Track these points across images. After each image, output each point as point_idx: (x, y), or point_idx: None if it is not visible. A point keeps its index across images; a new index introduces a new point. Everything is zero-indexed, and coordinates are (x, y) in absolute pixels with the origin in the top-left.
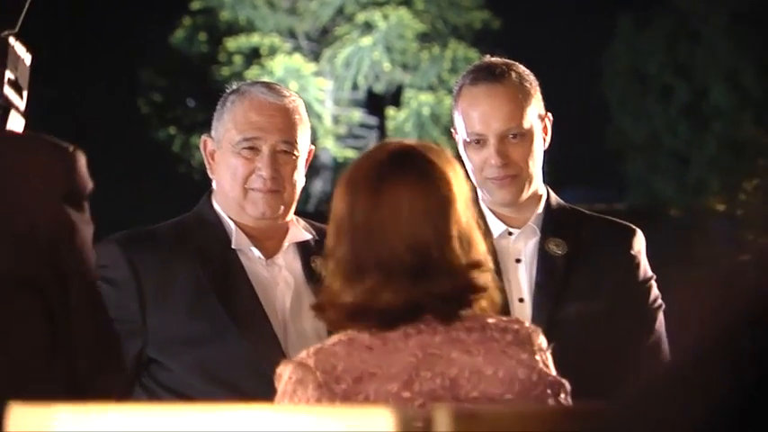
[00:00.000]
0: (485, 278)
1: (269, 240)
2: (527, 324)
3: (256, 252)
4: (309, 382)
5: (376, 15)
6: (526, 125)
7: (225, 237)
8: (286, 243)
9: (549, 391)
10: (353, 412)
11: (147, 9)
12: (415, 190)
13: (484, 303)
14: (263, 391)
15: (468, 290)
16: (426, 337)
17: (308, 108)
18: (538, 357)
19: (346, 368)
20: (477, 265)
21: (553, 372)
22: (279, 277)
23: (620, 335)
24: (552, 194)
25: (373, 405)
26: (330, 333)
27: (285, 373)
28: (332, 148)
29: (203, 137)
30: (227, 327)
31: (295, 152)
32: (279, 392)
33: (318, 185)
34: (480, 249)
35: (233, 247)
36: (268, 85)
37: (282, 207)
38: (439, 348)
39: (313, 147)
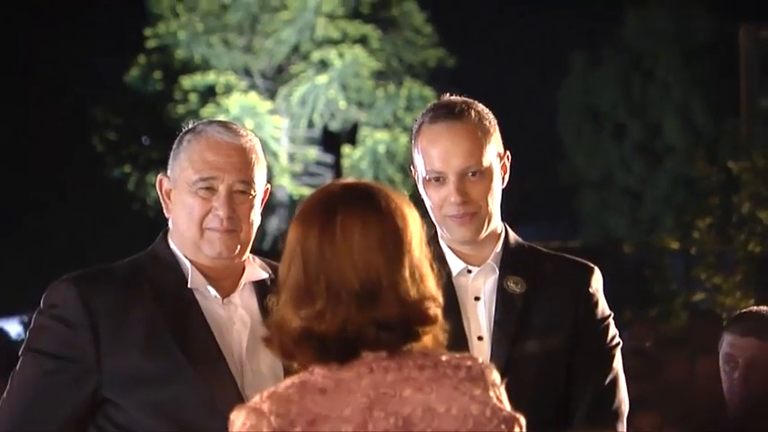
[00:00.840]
0: (434, 312)
1: (225, 280)
2: (480, 360)
3: (212, 291)
4: (264, 428)
5: (331, 54)
6: (485, 163)
7: (181, 276)
8: (242, 282)
9: (503, 427)
10: None
11: (101, 47)
12: (368, 219)
13: (429, 339)
14: (217, 430)
15: (415, 321)
16: (378, 376)
17: (264, 146)
18: (491, 393)
19: (300, 412)
20: (427, 298)
21: (507, 407)
22: (235, 316)
23: (578, 372)
24: (510, 232)
25: None
26: (287, 372)
27: (239, 420)
28: (288, 186)
29: (159, 176)
30: (182, 367)
31: (252, 191)
32: None
33: (274, 223)
34: (430, 284)
35: (189, 286)
36: (225, 125)
37: (239, 246)
38: (391, 387)
39: (269, 185)
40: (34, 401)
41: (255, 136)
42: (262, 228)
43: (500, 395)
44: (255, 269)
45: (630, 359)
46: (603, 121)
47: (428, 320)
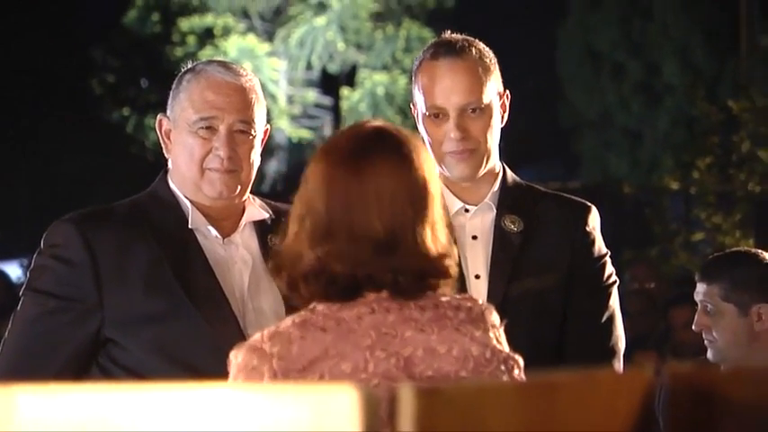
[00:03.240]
0: (453, 268)
1: (225, 220)
2: (480, 302)
3: (213, 231)
4: (265, 371)
5: None
6: (485, 100)
7: (181, 216)
8: (243, 222)
9: (502, 368)
10: (316, 390)
11: None
12: (400, 168)
13: (445, 290)
14: (220, 369)
15: (433, 274)
16: (379, 316)
17: (263, 88)
18: (491, 334)
19: (301, 351)
20: (446, 254)
21: (506, 348)
22: (236, 256)
23: (575, 310)
24: (509, 172)
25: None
26: (289, 311)
27: (239, 359)
28: (286, 129)
29: (159, 116)
30: (184, 305)
31: (252, 131)
32: (231, 377)
33: (273, 166)
34: (447, 240)
35: (189, 226)
36: (225, 64)
37: (239, 187)
38: (392, 328)
39: (269, 126)
40: (35, 341)
41: (255, 78)
42: (261, 170)
43: (499, 336)
44: (256, 209)
45: (631, 299)
46: (603, 62)
47: (445, 275)
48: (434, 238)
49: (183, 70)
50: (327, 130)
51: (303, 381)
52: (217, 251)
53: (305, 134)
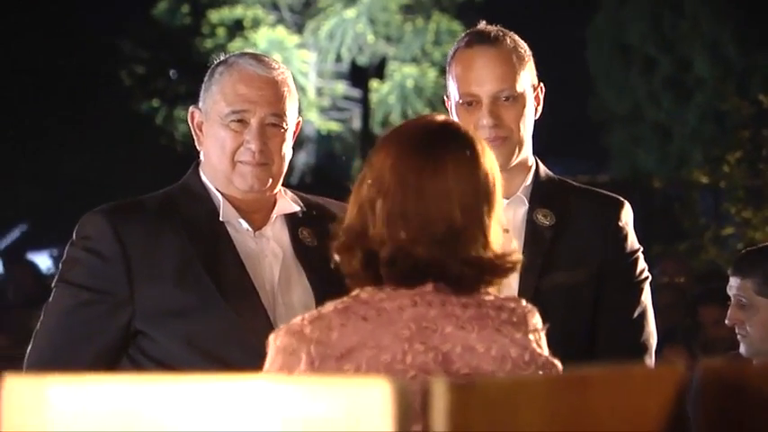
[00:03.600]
0: (515, 266)
1: (257, 213)
2: (523, 303)
3: (244, 224)
4: (303, 355)
5: None
6: (519, 89)
7: (213, 209)
8: (274, 215)
9: (540, 372)
10: (349, 383)
11: None
12: (470, 165)
13: (495, 289)
14: (250, 362)
15: (496, 270)
16: (421, 310)
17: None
18: (531, 337)
19: (340, 338)
20: (510, 252)
21: (546, 353)
22: (267, 249)
23: (607, 305)
24: (541, 165)
25: (366, 375)
26: (318, 305)
27: (278, 341)
28: (315, 121)
29: (191, 108)
30: (214, 299)
31: (284, 125)
32: (269, 359)
33: (302, 158)
34: (502, 238)
35: (221, 219)
36: (257, 57)
37: (271, 179)
38: (433, 322)
39: (300, 119)
40: (68, 332)
41: (287, 71)
42: (290, 162)
43: (539, 340)
44: (287, 202)
45: (659, 294)
46: (633, 56)
47: (506, 273)
48: (497, 234)
49: (215, 62)
50: (356, 123)
51: (339, 369)
52: (248, 244)
53: (334, 126)
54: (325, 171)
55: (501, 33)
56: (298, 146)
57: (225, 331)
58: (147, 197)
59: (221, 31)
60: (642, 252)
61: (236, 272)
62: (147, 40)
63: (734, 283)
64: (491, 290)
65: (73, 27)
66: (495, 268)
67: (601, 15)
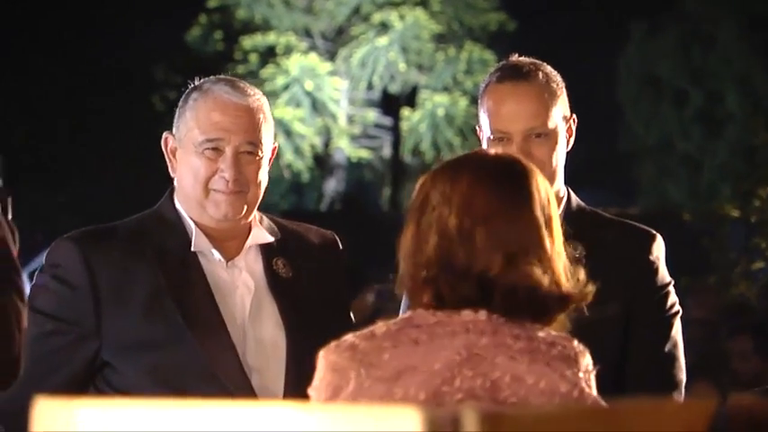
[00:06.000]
0: (573, 300)
1: (230, 241)
2: (575, 343)
3: (216, 254)
4: (352, 375)
5: (392, 15)
6: (551, 125)
7: (185, 237)
8: (247, 244)
9: None
10: (380, 412)
11: (162, 6)
12: (531, 190)
13: (557, 326)
14: (215, 397)
15: (559, 301)
16: (473, 337)
17: (323, 107)
18: (582, 376)
19: (390, 360)
20: (580, 295)
21: (594, 393)
22: (239, 281)
23: (637, 339)
24: (573, 196)
25: (409, 400)
26: (290, 341)
27: (329, 357)
28: (346, 148)
29: (165, 134)
30: (182, 332)
31: (259, 152)
32: (317, 375)
33: (332, 185)
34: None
35: (192, 249)
36: (232, 83)
37: (245, 207)
38: (484, 350)
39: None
40: (36, 362)
41: (263, 97)
42: (319, 189)
43: (589, 380)
44: (262, 232)
45: (688, 327)
46: (663, 89)
47: (567, 305)
48: (560, 262)
49: (189, 87)
50: (387, 151)
51: (389, 391)
52: (219, 275)
53: (364, 154)
54: (355, 198)
55: (533, 67)
56: (328, 173)
57: (191, 366)
58: (120, 223)
59: (254, 58)
60: (673, 285)
61: (206, 305)
62: (180, 65)
63: None
64: (557, 325)
65: (107, 52)
66: (565, 300)
67: (631, 47)
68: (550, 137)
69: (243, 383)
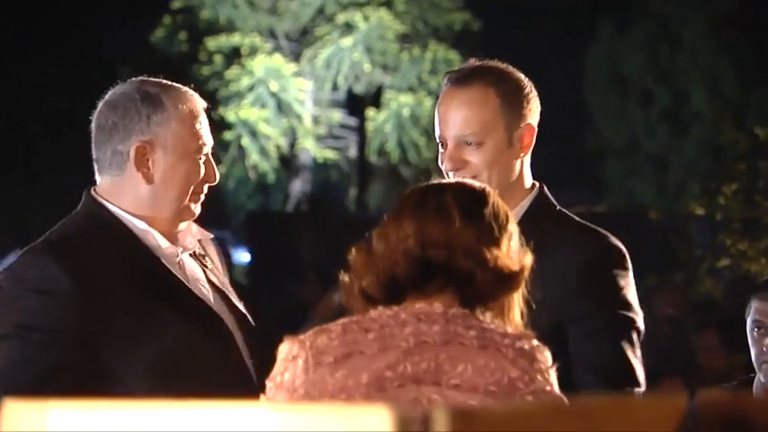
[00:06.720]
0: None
1: (179, 238)
2: (534, 341)
3: (172, 248)
4: (300, 361)
5: (356, 16)
6: (484, 133)
7: (134, 237)
8: (194, 240)
9: (531, 399)
10: (350, 411)
11: (126, 8)
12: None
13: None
14: (218, 377)
15: (509, 283)
16: (423, 326)
17: (289, 108)
18: (537, 368)
19: (339, 345)
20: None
21: (555, 388)
22: (197, 272)
23: (575, 356)
24: (546, 193)
25: (351, 382)
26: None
27: (284, 349)
28: (312, 149)
29: (138, 144)
30: (169, 320)
31: None
32: (275, 367)
33: (297, 185)
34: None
35: (150, 245)
36: (186, 90)
37: None
38: (432, 337)
39: None
40: (29, 375)
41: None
42: (285, 190)
43: (548, 376)
44: (200, 228)
45: (656, 325)
46: (630, 88)
47: (514, 287)
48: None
49: (149, 91)
50: (353, 151)
51: (332, 374)
52: (179, 265)
53: (330, 155)
54: (321, 199)
55: (478, 72)
56: (294, 174)
57: (189, 349)
58: (65, 234)
59: (218, 59)
60: (635, 284)
61: (183, 292)
62: (145, 66)
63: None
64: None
65: (71, 53)
66: (510, 281)
67: (598, 46)
68: (486, 145)
69: (244, 368)
